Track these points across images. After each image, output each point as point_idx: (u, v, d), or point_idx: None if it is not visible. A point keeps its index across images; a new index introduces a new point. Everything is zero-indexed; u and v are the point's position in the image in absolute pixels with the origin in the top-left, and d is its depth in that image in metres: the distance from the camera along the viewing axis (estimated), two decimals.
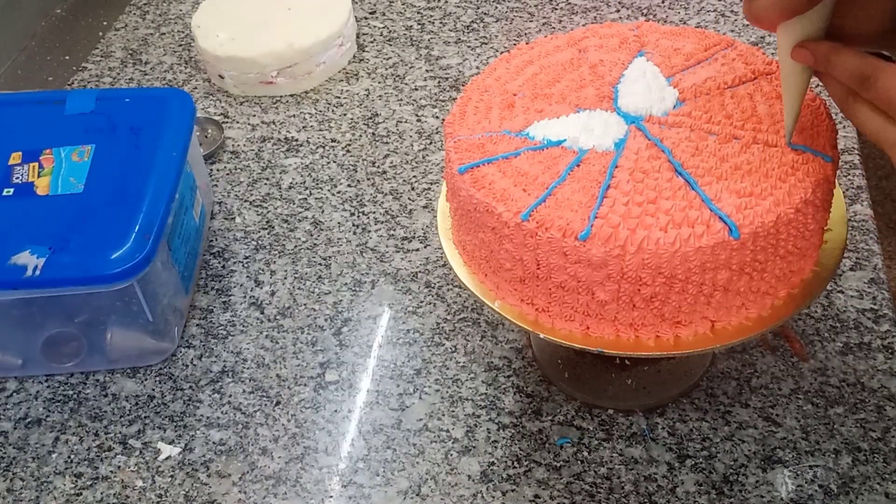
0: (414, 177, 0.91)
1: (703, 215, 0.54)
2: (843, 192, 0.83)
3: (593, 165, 0.59)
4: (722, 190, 0.55)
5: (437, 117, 0.98)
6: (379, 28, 1.12)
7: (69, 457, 0.71)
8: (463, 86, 0.95)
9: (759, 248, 0.54)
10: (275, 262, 0.84)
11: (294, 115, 1.01)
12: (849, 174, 0.85)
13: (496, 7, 1.13)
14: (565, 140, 0.61)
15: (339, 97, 1.02)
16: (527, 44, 0.70)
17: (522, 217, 0.56)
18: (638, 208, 0.55)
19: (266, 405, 0.73)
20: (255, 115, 1.01)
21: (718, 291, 0.55)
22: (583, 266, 0.55)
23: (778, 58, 0.56)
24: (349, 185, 0.91)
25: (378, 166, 0.93)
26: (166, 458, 0.70)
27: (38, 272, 0.68)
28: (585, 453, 0.67)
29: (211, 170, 0.94)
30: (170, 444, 0.71)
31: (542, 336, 0.59)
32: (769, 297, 0.58)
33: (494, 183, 0.59)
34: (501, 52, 0.87)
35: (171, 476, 0.69)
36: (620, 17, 1.08)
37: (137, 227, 0.71)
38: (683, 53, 0.67)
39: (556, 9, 1.11)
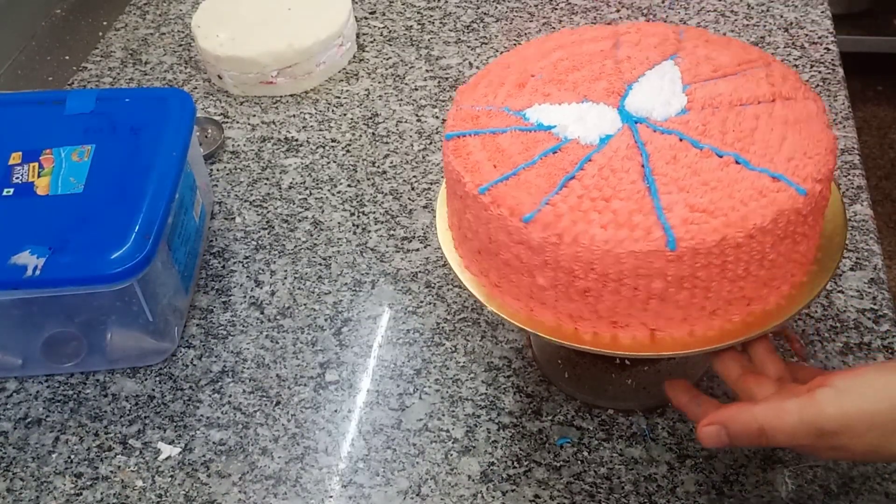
0: (414, 177, 0.91)
1: (646, 221, 0.54)
2: (843, 193, 0.83)
3: (568, 155, 0.60)
4: (679, 202, 0.55)
5: (437, 117, 0.98)
6: (379, 28, 1.12)
7: (69, 457, 0.71)
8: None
9: (701, 266, 0.54)
10: (275, 262, 0.84)
11: (294, 115, 1.01)
12: (849, 174, 0.85)
13: (496, 7, 1.13)
14: (555, 126, 0.62)
15: (339, 97, 1.02)
16: (571, 29, 0.69)
17: (480, 190, 0.58)
18: (589, 203, 0.56)
19: (266, 405, 0.73)
20: (255, 115, 1.01)
21: (654, 299, 0.55)
22: (524, 248, 0.56)
23: None
24: (349, 185, 0.91)
25: (378, 166, 0.93)
26: (166, 458, 0.70)
27: (38, 272, 0.68)
28: (585, 453, 0.67)
29: (211, 170, 0.94)
30: (170, 444, 0.71)
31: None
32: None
33: (472, 154, 0.61)
34: (501, 52, 0.87)
35: (171, 476, 0.69)
36: (620, 17, 1.08)
37: (137, 228, 0.71)
38: (715, 64, 0.65)
39: (556, 9, 1.11)
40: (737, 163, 0.57)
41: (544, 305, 0.58)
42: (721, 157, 0.57)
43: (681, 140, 0.59)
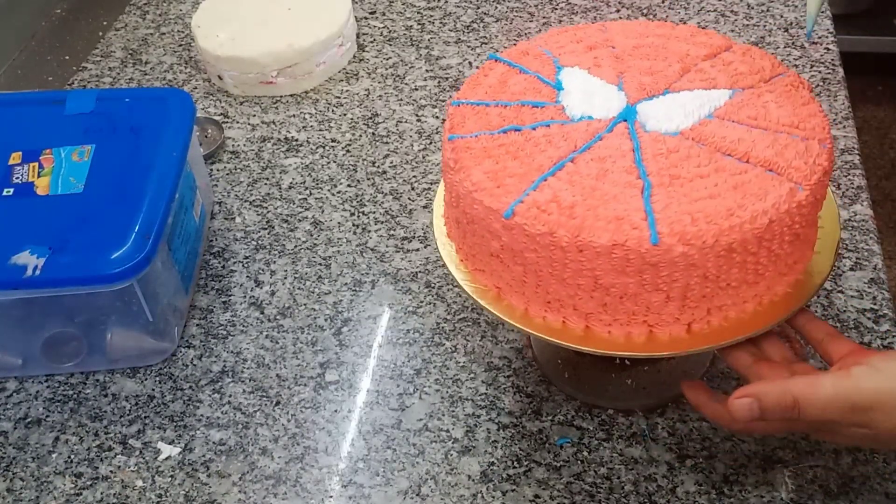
0: (414, 177, 0.91)
1: (512, 189, 0.57)
2: (843, 192, 0.83)
3: (541, 114, 0.62)
4: (553, 189, 0.57)
5: (437, 117, 0.98)
6: (379, 28, 1.12)
7: (69, 457, 0.71)
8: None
9: (526, 248, 0.56)
10: (275, 262, 0.84)
11: (294, 115, 1.01)
12: (849, 174, 0.85)
13: (496, 7, 1.13)
14: (563, 90, 0.64)
15: (339, 97, 1.02)
16: (695, 27, 0.69)
17: (453, 102, 0.64)
18: (500, 153, 0.59)
19: (266, 405, 0.73)
20: (255, 115, 1.01)
21: (494, 258, 0.59)
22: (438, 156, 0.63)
23: None
24: (349, 185, 0.91)
25: (378, 166, 0.93)
26: (166, 458, 0.70)
27: (38, 272, 0.68)
28: (585, 453, 0.67)
29: (211, 170, 0.94)
30: (170, 444, 0.71)
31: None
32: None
33: (487, 77, 0.66)
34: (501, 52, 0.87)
35: (171, 476, 0.69)
36: (620, 17, 1.08)
37: (137, 228, 0.71)
38: (762, 114, 0.60)
39: (556, 9, 1.11)
40: (641, 191, 0.55)
41: (447, 219, 0.64)
42: (639, 179, 0.56)
43: (632, 150, 0.59)
